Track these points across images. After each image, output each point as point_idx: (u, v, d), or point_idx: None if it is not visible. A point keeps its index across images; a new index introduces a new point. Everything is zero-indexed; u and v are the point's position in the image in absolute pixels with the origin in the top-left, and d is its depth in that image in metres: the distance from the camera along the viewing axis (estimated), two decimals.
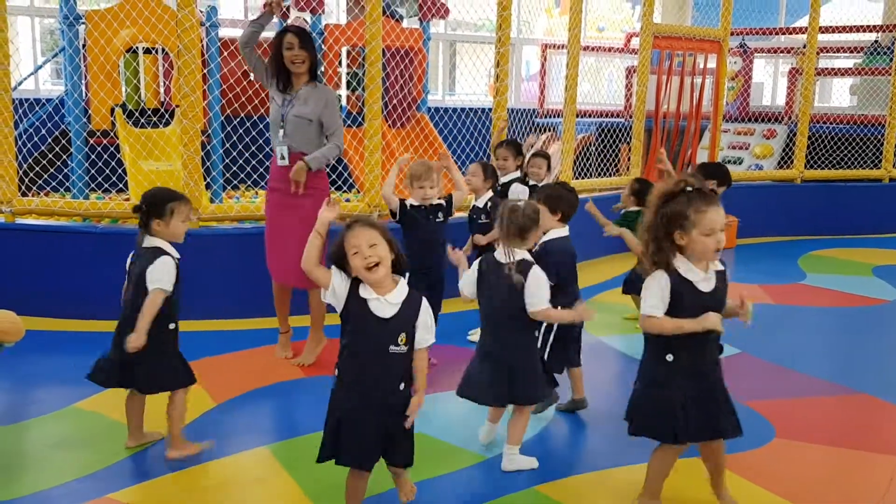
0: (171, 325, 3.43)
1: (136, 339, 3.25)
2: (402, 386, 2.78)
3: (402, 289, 2.77)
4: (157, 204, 3.38)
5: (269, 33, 9.30)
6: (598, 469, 3.50)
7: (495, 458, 3.56)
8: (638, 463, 3.54)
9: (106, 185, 7.33)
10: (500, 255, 3.36)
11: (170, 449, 3.48)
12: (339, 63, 8.44)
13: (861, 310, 6.32)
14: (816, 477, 3.51)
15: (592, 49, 11.02)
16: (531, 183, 5.48)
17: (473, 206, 5.19)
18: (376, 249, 2.68)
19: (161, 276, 3.33)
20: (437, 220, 4.57)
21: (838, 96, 13.86)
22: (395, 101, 8.33)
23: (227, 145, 7.52)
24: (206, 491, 3.27)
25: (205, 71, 6.74)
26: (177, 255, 3.42)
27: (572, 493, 3.30)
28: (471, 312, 5.81)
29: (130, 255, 3.47)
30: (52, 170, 7.44)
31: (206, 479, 3.36)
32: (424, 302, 2.82)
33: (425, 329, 2.80)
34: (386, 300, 2.72)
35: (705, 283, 2.84)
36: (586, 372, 4.12)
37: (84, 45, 7.07)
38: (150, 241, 3.41)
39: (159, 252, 3.38)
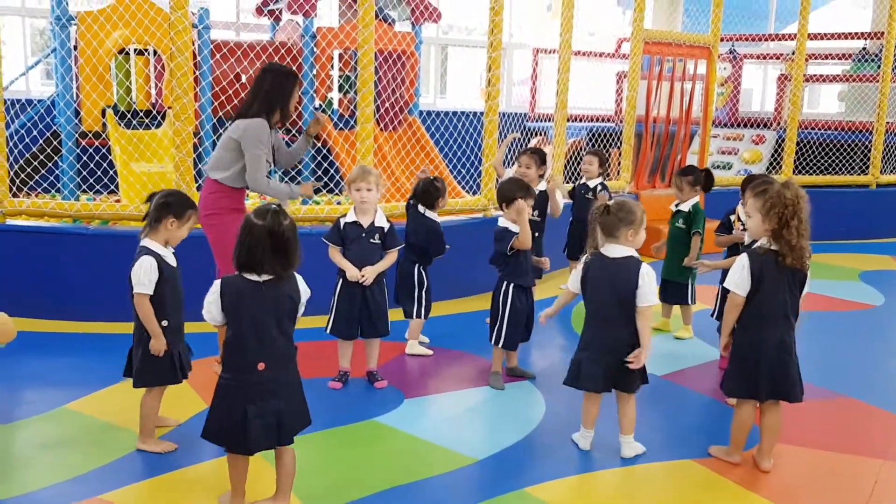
0: (164, 323, 3.47)
1: (154, 344, 3.45)
2: None
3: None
4: (180, 205, 3.50)
5: (262, 35, 9.31)
6: (588, 472, 3.53)
7: (485, 460, 3.59)
8: (627, 465, 3.58)
9: (97, 187, 7.32)
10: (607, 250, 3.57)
11: (139, 441, 3.60)
12: (332, 66, 8.45)
13: (848, 314, 6.37)
14: (803, 480, 3.55)
15: (583, 54, 11.07)
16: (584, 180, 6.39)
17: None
18: None
19: (140, 279, 3.42)
20: (372, 241, 4.35)
21: (827, 103, 13.97)
22: (386, 105, 8.35)
23: None
24: (196, 492, 3.27)
25: (196, 73, 6.74)
26: (164, 252, 3.50)
27: (561, 496, 3.32)
28: (455, 317, 5.85)
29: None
30: (43, 171, 7.42)
31: (195, 481, 3.36)
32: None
33: None
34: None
35: None
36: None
37: (75, 46, 7.06)
38: (144, 241, 3.50)
39: (143, 251, 3.47)
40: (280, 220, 2.86)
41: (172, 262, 3.55)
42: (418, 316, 4.95)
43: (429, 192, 4.90)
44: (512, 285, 4.41)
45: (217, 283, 2.93)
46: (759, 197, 3.47)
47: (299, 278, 3.01)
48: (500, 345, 4.45)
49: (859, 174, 10.27)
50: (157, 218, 3.47)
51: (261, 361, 2.89)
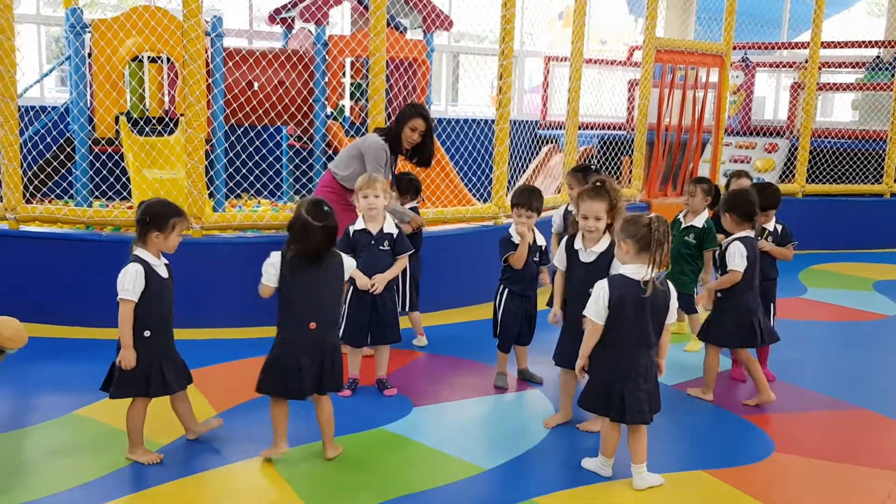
0: (146, 333, 3.43)
1: (123, 354, 3.41)
2: None
3: None
4: (161, 218, 3.47)
5: (274, 43, 9.35)
6: (598, 482, 3.50)
7: (494, 469, 3.57)
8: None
9: (110, 193, 7.35)
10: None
11: (128, 451, 3.57)
12: (343, 74, 8.47)
13: (861, 324, 6.32)
14: (815, 492, 3.51)
15: (595, 62, 11.06)
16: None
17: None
18: None
19: (124, 285, 3.39)
20: (382, 248, 4.39)
21: (840, 111, 13.89)
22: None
23: (231, 154, 7.55)
24: (203, 500, 3.27)
25: (209, 81, 6.77)
26: (155, 262, 3.48)
27: None
28: (465, 325, 5.84)
29: None
30: (56, 177, 7.46)
31: (204, 487, 3.37)
32: None
33: None
34: None
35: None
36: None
37: (90, 54, 7.11)
38: (137, 251, 3.47)
39: (132, 259, 3.44)
40: (334, 218, 3.45)
41: (164, 273, 3.51)
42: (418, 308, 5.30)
43: (410, 183, 5.41)
44: (507, 290, 4.51)
45: (276, 255, 3.44)
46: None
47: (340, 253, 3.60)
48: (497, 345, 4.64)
49: (873, 183, 10.20)
50: (141, 233, 3.47)
51: (312, 322, 3.43)
